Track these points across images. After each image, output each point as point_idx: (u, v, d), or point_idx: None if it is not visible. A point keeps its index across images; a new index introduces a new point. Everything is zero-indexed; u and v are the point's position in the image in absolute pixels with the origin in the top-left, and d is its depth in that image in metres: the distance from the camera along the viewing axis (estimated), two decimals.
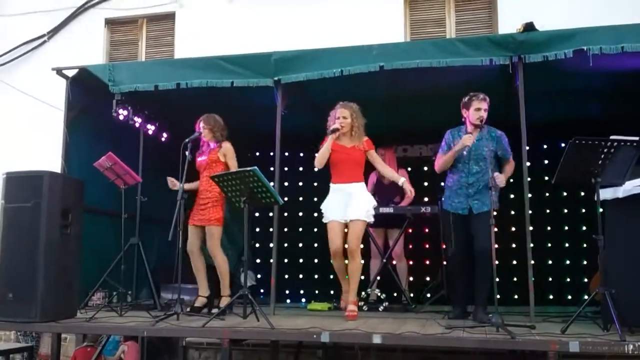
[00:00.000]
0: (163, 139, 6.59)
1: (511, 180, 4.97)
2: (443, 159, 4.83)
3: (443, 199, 4.93)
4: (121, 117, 5.76)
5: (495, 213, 4.45)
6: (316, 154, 4.87)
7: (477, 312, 4.50)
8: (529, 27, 4.81)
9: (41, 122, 7.97)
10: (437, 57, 4.84)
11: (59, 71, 5.75)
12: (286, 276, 7.49)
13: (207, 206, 5.15)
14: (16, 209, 4.59)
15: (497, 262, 4.54)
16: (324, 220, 4.91)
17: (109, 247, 5.70)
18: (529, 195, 4.76)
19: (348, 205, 4.79)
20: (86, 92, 5.83)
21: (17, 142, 8.28)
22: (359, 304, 5.16)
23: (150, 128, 6.28)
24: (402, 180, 4.88)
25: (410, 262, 6.69)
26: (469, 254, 4.61)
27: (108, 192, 5.58)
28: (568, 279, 6.91)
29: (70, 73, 5.76)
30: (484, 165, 4.61)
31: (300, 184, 7.75)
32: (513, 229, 6.82)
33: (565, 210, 7.06)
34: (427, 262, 7.12)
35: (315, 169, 5.03)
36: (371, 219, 4.88)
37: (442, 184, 6.39)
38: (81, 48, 8.37)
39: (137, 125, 6.03)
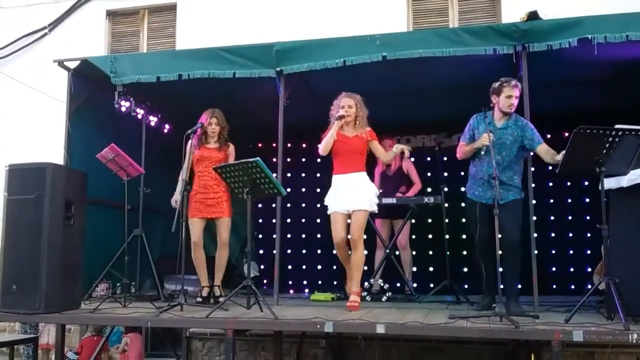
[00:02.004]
0: (165, 131, 6.59)
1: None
2: (463, 150, 4.68)
3: (466, 187, 4.83)
4: (123, 109, 5.75)
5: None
6: (319, 144, 4.86)
7: (508, 303, 4.31)
8: (533, 15, 4.78)
9: (43, 114, 7.98)
10: (441, 47, 4.82)
11: (61, 63, 5.74)
12: (289, 267, 7.51)
13: (220, 199, 5.16)
14: (19, 201, 4.60)
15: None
16: (329, 212, 4.90)
17: (112, 239, 5.72)
18: (532, 185, 4.75)
19: (350, 195, 4.77)
20: (88, 83, 5.83)
21: (19, 134, 8.29)
22: (362, 294, 5.15)
23: (153, 119, 6.27)
24: (396, 147, 4.81)
25: (414, 253, 6.69)
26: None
27: (111, 183, 5.57)
28: (572, 269, 6.90)
29: (72, 65, 5.75)
30: (507, 154, 4.52)
31: (303, 175, 7.74)
32: None
33: (569, 200, 7.05)
34: (431, 253, 7.12)
35: (318, 160, 5.01)
36: (374, 208, 4.86)
37: (446, 174, 6.44)
38: (82, 40, 8.36)
39: (139, 116, 6.02)
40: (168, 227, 4.86)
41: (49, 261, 4.50)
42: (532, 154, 4.68)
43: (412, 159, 6.76)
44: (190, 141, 5.05)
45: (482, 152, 4.55)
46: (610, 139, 3.86)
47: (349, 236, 4.83)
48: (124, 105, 5.73)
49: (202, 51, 5.56)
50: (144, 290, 6.16)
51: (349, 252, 4.90)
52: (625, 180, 4.04)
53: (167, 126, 6.59)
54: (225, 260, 5.27)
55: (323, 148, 4.83)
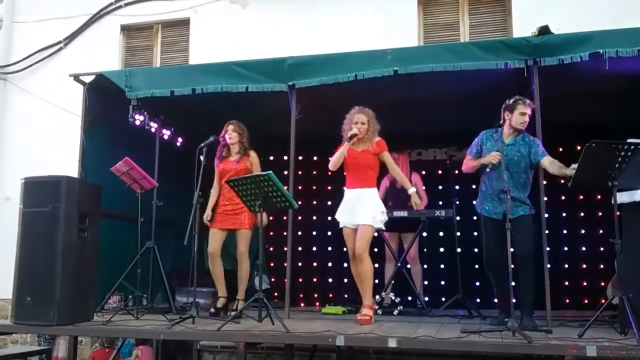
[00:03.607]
0: (178, 144, 6.64)
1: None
2: (470, 165, 4.74)
3: (476, 203, 4.85)
4: (137, 123, 5.81)
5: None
6: (330, 158, 4.89)
7: (523, 318, 4.33)
8: (544, 30, 4.79)
9: (58, 128, 8.07)
10: (452, 61, 4.84)
11: (76, 77, 5.82)
12: (300, 280, 7.50)
13: (241, 210, 5.19)
14: (34, 214, 4.66)
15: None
16: (340, 226, 4.95)
17: (125, 251, 5.75)
18: (545, 198, 4.74)
19: (356, 210, 4.81)
20: (102, 97, 5.90)
21: (34, 147, 8.39)
22: (375, 307, 5.14)
23: (166, 133, 6.33)
24: (412, 190, 4.89)
25: (425, 266, 6.67)
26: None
27: (124, 196, 5.63)
28: (585, 283, 6.84)
29: (87, 79, 5.83)
30: (514, 170, 4.54)
31: (314, 187, 7.76)
32: None
33: (582, 214, 7.01)
34: (442, 266, 7.10)
35: (329, 173, 5.04)
36: (380, 225, 4.87)
37: (457, 187, 6.43)
38: (97, 54, 8.47)
39: (152, 130, 6.07)
40: (180, 239, 4.89)
41: (63, 273, 4.55)
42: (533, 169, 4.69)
43: (423, 173, 6.77)
44: (202, 154, 5.10)
45: (488, 169, 4.60)
46: (623, 153, 3.86)
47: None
48: (138, 118, 5.80)
49: (215, 66, 5.62)
50: (155, 302, 6.18)
51: None
52: (638, 195, 4.03)
53: (180, 139, 6.65)
54: (246, 272, 5.31)
55: (333, 164, 4.88)
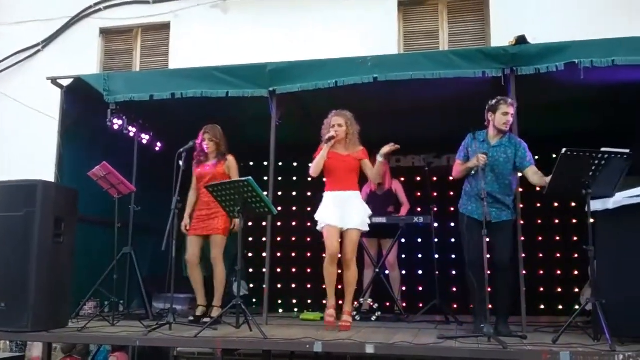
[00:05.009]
0: (157, 149, 6.60)
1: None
2: (458, 170, 4.70)
3: (459, 204, 4.78)
4: (116, 127, 5.76)
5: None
6: (310, 164, 4.90)
7: (498, 324, 4.34)
8: (521, 40, 4.87)
9: (35, 131, 7.97)
10: (431, 69, 4.89)
11: (54, 80, 5.75)
12: (279, 286, 7.48)
13: (215, 215, 5.17)
14: (9, 218, 4.58)
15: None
16: (319, 227, 4.87)
17: (101, 257, 5.68)
18: (521, 205, 4.80)
19: (345, 213, 4.79)
20: (81, 101, 5.84)
21: (10, 151, 8.27)
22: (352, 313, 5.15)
23: (145, 138, 6.28)
24: (379, 156, 4.83)
25: (403, 272, 6.70)
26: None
27: (101, 201, 5.57)
28: (559, 289, 6.94)
29: (65, 82, 5.77)
30: (500, 172, 4.53)
31: (294, 193, 7.76)
32: None
33: (557, 221, 7.11)
34: (420, 272, 7.14)
35: (309, 179, 5.05)
36: (366, 228, 4.89)
37: (435, 194, 6.49)
38: (76, 57, 8.39)
39: (131, 134, 6.03)
40: (158, 245, 4.86)
41: (38, 279, 4.47)
42: (520, 174, 4.74)
43: (402, 179, 6.82)
44: (181, 159, 5.07)
45: (473, 172, 4.57)
46: (597, 162, 3.93)
47: (339, 255, 4.84)
48: (117, 123, 5.74)
49: (195, 70, 5.61)
50: (132, 308, 6.11)
51: (339, 271, 4.91)
52: (611, 203, 4.09)
53: (159, 144, 6.60)
54: (222, 277, 5.24)
55: (314, 169, 4.86)
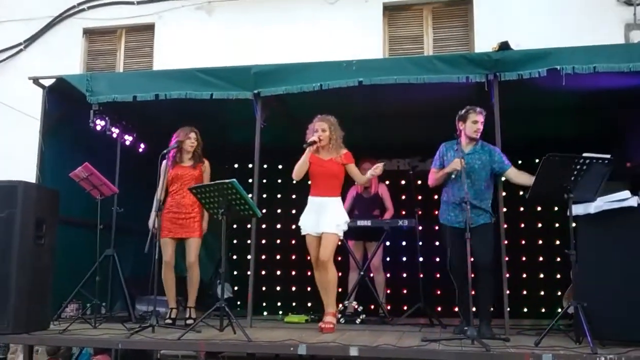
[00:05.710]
0: (140, 150, 6.55)
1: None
2: (435, 177, 4.78)
3: (439, 213, 4.90)
4: (98, 128, 5.70)
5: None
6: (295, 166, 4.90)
7: (481, 326, 4.38)
8: (505, 46, 4.92)
9: (16, 131, 7.86)
10: (415, 74, 4.93)
11: (36, 80, 5.69)
12: (263, 288, 7.46)
13: (192, 219, 5.15)
14: None
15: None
16: (302, 233, 4.95)
17: (83, 258, 5.61)
18: (504, 209, 4.84)
19: (320, 218, 4.83)
20: (63, 101, 5.78)
21: None
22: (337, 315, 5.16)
23: (128, 139, 6.22)
24: (370, 173, 4.90)
25: (388, 275, 6.72)
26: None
27: (83, 202, 5.51)
28: (542, 292, 7.00)
29: (47, 82, 5.70)
30: (476, 178, 4.60)
31: (279, 196, 7.73)
32: None
33: (540, 225, 7.18)
34: (404, 275, 7.17)
35: (294, 182, 5.05)
36: (341, 234, 4.91)
37: (420, 197, 6.51)
38: (58, 57, 8.31)
39: (114, 135, 5.97)
40: (140, 247, 4.82)
41: (18, 281, 4.42)
42: (503, 179, 4.79)
43: (387, 182, 6.84)
44: (165, 161, 5.04)
45: (453, 176, 4.64)
46: (579, 167, 3.99)
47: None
48: (99, 124, 5.69)
49: (179, 72, 5.58)
50: (114, 311, 6.05)
51: None
52: (592, 207, 4.15)
53: (142, 146, 6.56)
54: (196, 280, 5.25)
55: (295, 173, 4.90)
